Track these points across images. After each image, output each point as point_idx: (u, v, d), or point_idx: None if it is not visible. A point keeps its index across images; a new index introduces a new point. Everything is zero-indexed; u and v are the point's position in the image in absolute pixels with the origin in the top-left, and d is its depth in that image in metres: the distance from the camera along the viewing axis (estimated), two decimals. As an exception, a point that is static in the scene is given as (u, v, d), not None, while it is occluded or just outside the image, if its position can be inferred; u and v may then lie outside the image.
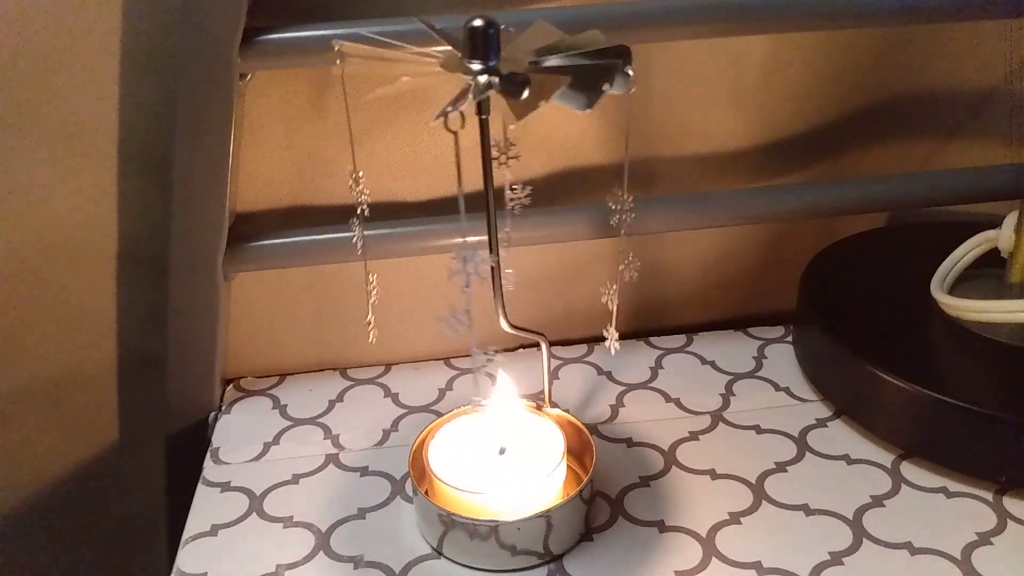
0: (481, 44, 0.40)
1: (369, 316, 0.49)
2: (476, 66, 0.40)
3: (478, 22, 0.39)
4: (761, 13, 0.56)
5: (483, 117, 0.43)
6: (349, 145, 0.59)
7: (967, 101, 0.67)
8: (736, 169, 0.66)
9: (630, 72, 0.40)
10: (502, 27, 0.40)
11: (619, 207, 0.48)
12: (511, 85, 0.39)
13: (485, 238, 0.48)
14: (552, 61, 0.41)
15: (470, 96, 0.39)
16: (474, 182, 0.45)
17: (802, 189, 0.65)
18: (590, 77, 0.39)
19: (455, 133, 0.41)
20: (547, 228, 0.61)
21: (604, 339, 0.52)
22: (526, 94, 0.38)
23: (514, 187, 0.46)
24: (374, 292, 0.50)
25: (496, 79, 0.39)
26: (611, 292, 0.50)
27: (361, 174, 0.46)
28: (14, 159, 0.56)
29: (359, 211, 0.47)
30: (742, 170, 0.66)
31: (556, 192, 0.64)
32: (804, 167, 0.67)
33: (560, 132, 0.62)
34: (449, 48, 0.43)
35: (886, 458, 0.55)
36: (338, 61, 0.43)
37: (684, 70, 0.62)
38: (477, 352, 0.46)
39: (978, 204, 0.66)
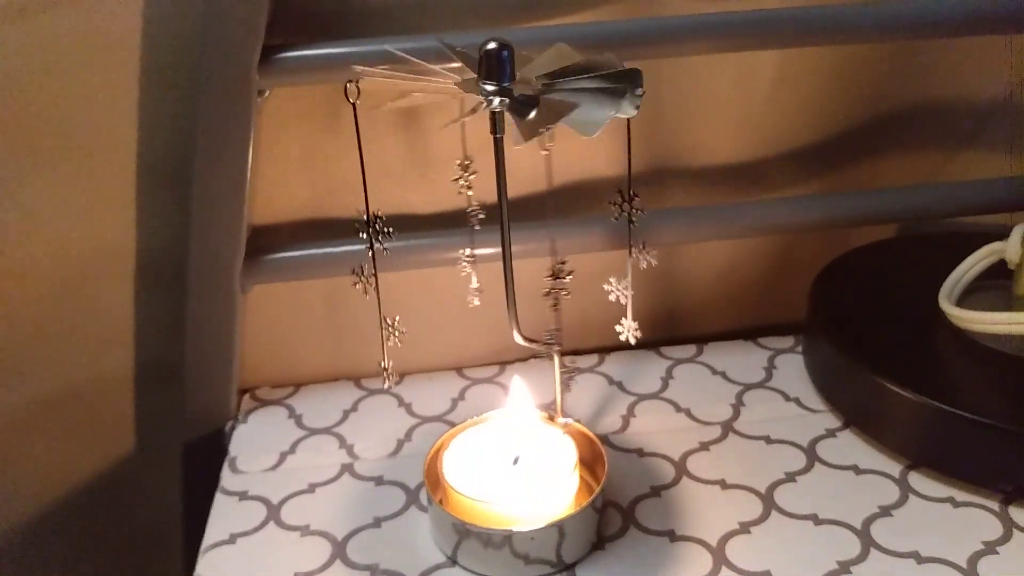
0: (496, 66, 0.41)
1: (386, 363, 0.50)
2: (490, 87, 0.41)
3: (492, 45, 0.40)
4: (769, 29, 0.57)
5: (497, 136, 0.44)
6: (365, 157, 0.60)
7: (976, 113, 0.67)
8: (745, 181, 0.66)
9: (640, 93, 0.41)
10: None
11: (623, 207, 0.49)
12: (519, 106, 0.40)
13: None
14: (564, 85, 0.41)
15: (482, 109, 0.40)
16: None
17: (811, 201, 0.65)
18: (598, 103, 0.40)
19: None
20: (559, 239, 0.62)
21: (616, 349, 0.52)
22: (533, 115, 0.40)
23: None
24: (393, 335, 0.50)
25: (506, 99, 0.40)
26: (623, 287, 0.50)
27: (380, 214, 0.48)
28: (36, 173, 0.57)
29: (371, 255, 0.48)
30: (751, 182, 0.66)
31: (568, 203, 0.64)
32: (813, 179, 0.68)
33: (573, 144, 0.62)
34: (461, 66, 0.44)
35: (894, 468, 0.56)
36: (349, 85, 0.44)
37: (695, 83, 0.62)
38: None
39: (986, 215, 0.66)
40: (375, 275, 0.49)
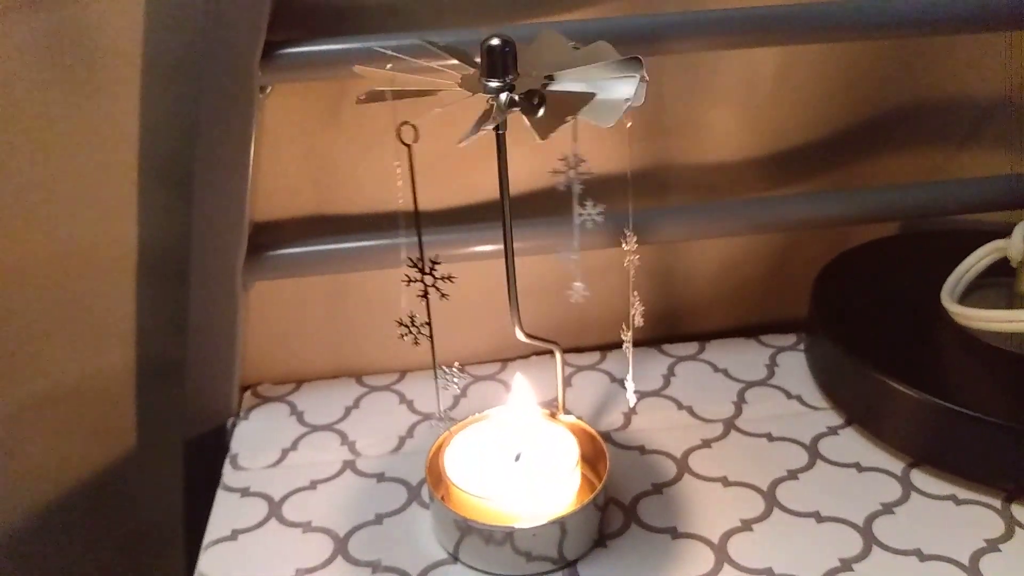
0: (499, 62, 0.40)
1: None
2: (494, 84, 0.41)
3: (495, 41, 0.40)
4: (772, 25, 0.57)
5: (500, 132, 0.44)
6: (364, 155, 0.60)
7: (978, 110, 0.67)
8: (748, 178, 0.66)
9: (645, 78, 0.41)
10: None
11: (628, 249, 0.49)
12: (529, 103, 0.40)
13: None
14: (567, 77, 0.41)
15: (493, 116, 0.40)
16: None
17: (813, 198, 0.65)
18: (611, 92, 0.40)
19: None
20: (560, 236, 0.62)
21: (616, 346, 0.52)
22: (542, 112, 0.39)
23: (585, 203, 0.46)
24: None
25: (516, 97, 0.40)
26: (627, 338, 0.50)
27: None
28: (39, 170, 0.57)
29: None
30: (754, 179, 0.67)
31: (569, 200, 0.64)
32: (815, 176, 0.68)
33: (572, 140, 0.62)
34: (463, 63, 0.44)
35: (896, 466, 0.56)
36: (404, 128, 0.43)
37: (697, 80, 0.62)
38: (443, 371, 0.46)
39: (988, 213, 0.66)
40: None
